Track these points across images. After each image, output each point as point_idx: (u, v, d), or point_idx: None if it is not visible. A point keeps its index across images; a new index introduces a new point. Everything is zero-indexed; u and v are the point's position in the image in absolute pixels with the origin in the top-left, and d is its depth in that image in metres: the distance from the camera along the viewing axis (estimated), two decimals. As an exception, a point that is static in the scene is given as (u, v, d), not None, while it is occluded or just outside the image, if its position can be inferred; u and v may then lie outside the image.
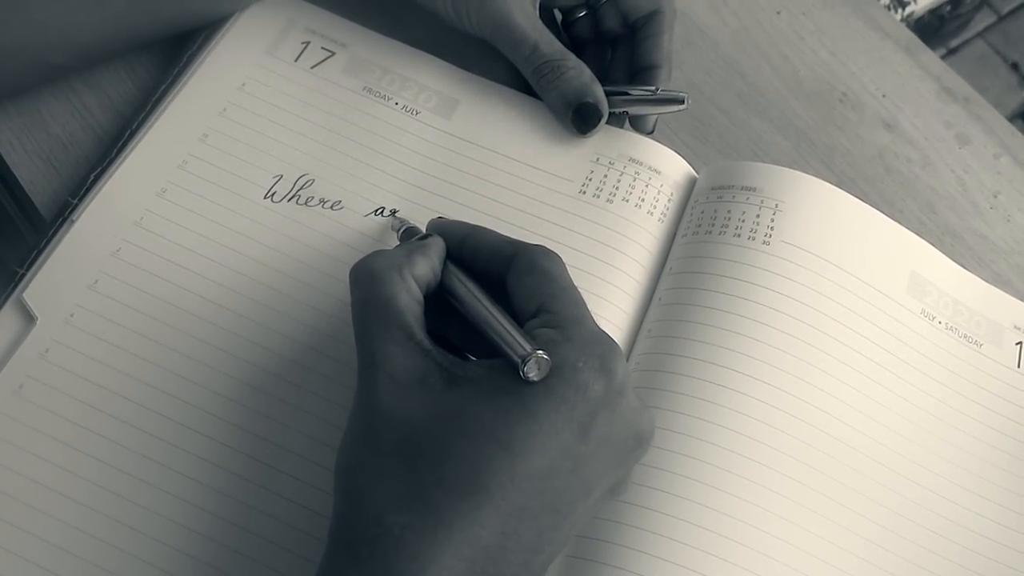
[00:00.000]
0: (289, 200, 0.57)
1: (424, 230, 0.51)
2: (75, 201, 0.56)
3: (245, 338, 0.53)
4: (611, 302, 0.56)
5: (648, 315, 0.57)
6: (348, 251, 0.56)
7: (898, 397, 0.56)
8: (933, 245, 0.60)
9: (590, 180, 0.59)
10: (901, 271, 0.58)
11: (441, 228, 0.50)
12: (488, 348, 0.44)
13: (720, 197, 0.59)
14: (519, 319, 0.45)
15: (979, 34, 2.12)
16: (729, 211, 0.58)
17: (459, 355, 0.46)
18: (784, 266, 0.56)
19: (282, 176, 0.58)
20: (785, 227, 0.57)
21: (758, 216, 0.57)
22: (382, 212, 0.58)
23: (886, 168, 0.68)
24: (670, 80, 0.63)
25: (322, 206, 0.57)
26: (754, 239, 0.57)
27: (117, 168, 0.57)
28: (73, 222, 0.55)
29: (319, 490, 0.51)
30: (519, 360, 0.41)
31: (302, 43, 0.62)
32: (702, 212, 0.59)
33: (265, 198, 0.57)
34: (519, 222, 0.57)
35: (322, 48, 0.62)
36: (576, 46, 0.65)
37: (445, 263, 0.48)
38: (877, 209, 0.59)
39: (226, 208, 0.56)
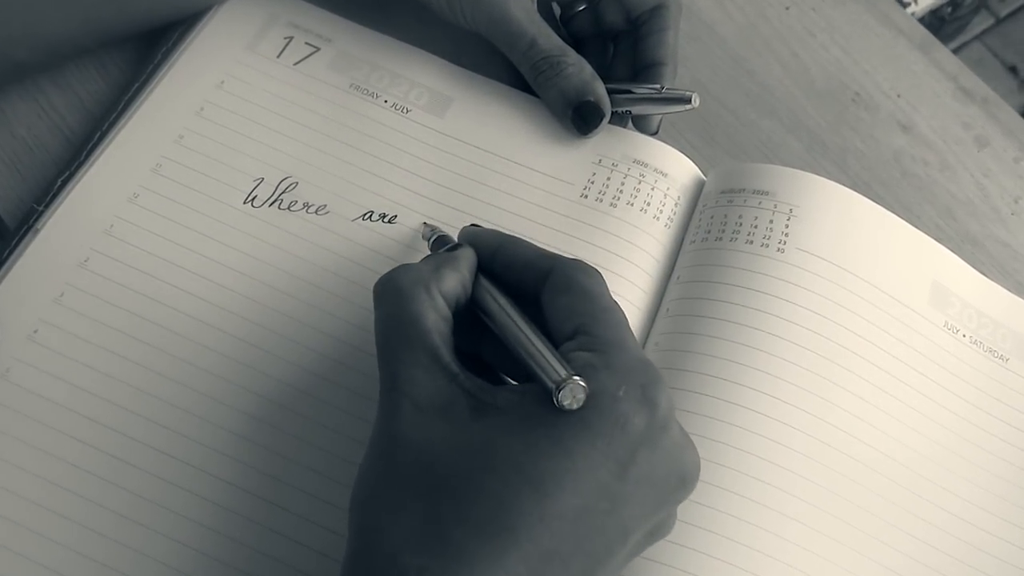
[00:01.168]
0: (271, 205, 0.54)
1: (456, 238, 0.49)
2: (41, 208, 0.53)
3: (223, 354, 0.50)
4: None
5: (655, 327, 0.54)
6: (334, 259, 0.53)
7: (920, 415, 0.53)
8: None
9: (592, 183, 0.56)
10: (923, 281, 0.55)
11: (473, 237, 0.47)
12: (523, 370, 0.41)
13: (731, 201, 0.55)
14: (554, 341, 0.42)
15: (977, 37, 2.10)
16: (741, 216, 0.54)
17: (492, 375, 0.43)
18: (800, 275, 0.53)
19: (263, 179, 0.55)
20: (800, 233, 0.54)
21: (771, 222, 0.54)
22: (370, 216, 0.54)
23: (902, 171, 0.65)
24: (676, 78, 0.60)
25: (306, 211, 0.54)
26: (767, 246, 0.53)
27: (86, 172, 0.54)
28: (38, 231, 0.52)
29: (314, 524, 0.47)
30: (553, 386, 0.38)
31: (285, 38, 0.59)
32: (711, 217, 0.55)
33: (245, 203, 0.54)
34: (516, 228, 0.54)
35: (306, 43, 0.59)
36: (576, 42, 0.62)
37: (476, 276, 0.45)
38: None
39: (203, 214, 0.53)
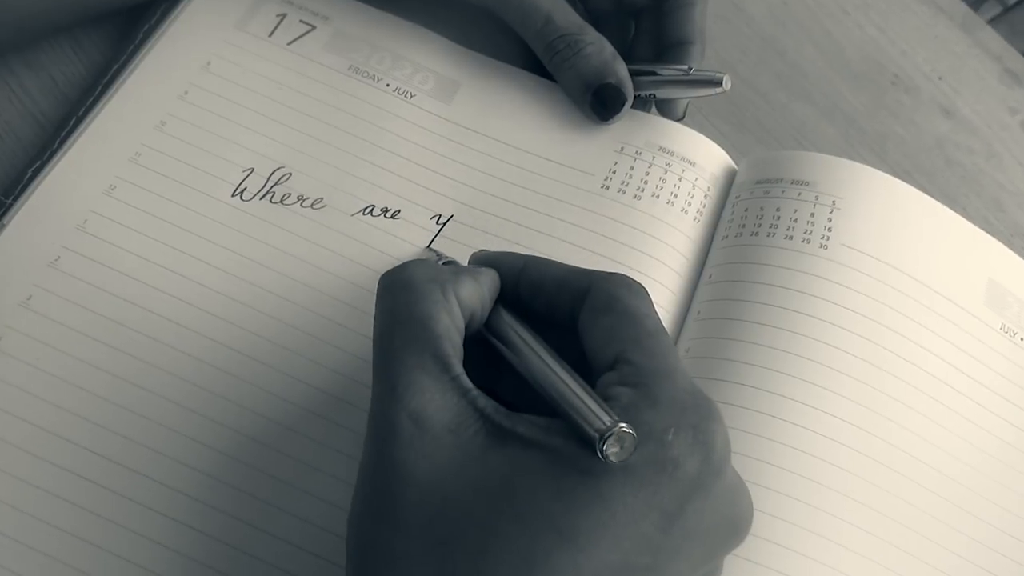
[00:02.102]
0: (262, 198, 0.50)
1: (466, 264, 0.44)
2: (9, 201, 0.48)
3: (207, 363, 0.46)
4: None
5: (684, 331, 0.50)
6: (331, 257, 0.49)
7: (975, 425, 0.49)
8: (1003, 248, 0.53)
9: (614, 173, 0.52)
10: (978, 279, 0.50)
11: (493, 260, 0.42)
12: (550, 410, 0.35)
13: (767, 192, 0.51)
14: (592, 371, 0.37)
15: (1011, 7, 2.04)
16: (778, 209, 0.50)
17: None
18: (845, 273, 0.48)
19: (253, 170, 0.50)
20: (845, 228, 0.50)
21: (812, 215, 0.50)
22: (371, 211, 0.50)
23: (946, 160, 0.61)
24: (703, 58, 0.55)
25: (300, 204, 0.50)
26: (809, 242, 0.49)
27: (58, 162, 0.50)
28: (4, 227, 0.47)
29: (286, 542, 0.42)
30: (596, 436, 0.33)
31: (277, 15, 0.55)
32: (745, 210, 0.51)
33: (233, 196, 0.50)
34: (531, 223, 0.50)
35: (301, 21, 0.55)
36: (594, 19, 0.58)
37: (496, 306, 0.40)
38: (938, 206, 0.52)
39: (186, 208, 0.49)
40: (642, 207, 0.51)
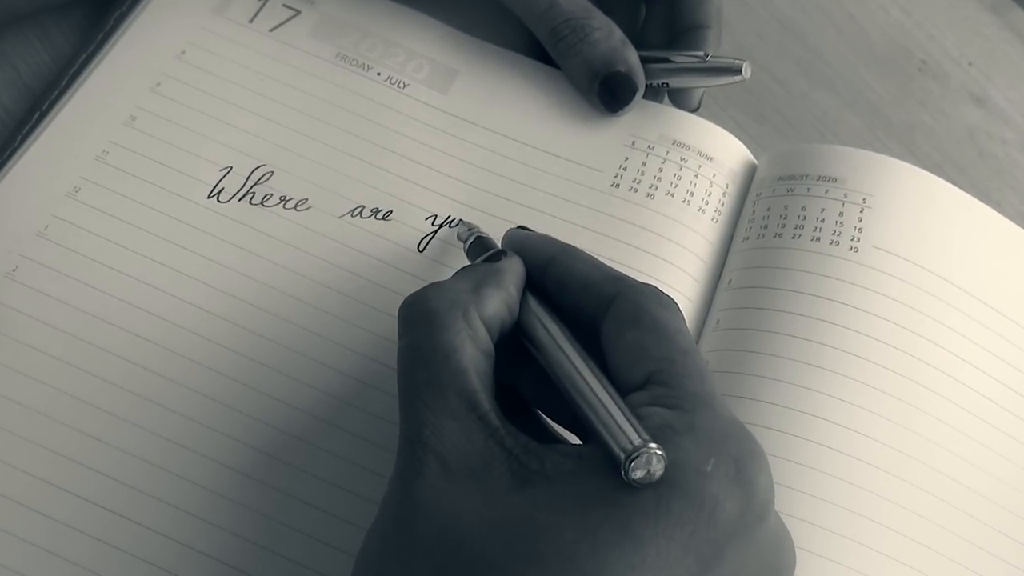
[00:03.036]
0: (241, 199, 0.46)
1: (499, 244, 0.42)
2: (-36, 204, 0.44)
3: (179, 383, 0.42)
4: None
5: (702, 343, 0.46)
6: (317, 264, 0.45)
7: (1021, 444, 0.45)
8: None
9: (624, 170, 0.49)
10: (1020, 284, 0.47)
11: (521, 245, 0.40)
12: (577, 421, 0.34)
13: (791, 190, 0.47)
14: (618, 388, 0.34)
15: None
16: (804, 208, 0.47)
17: (529, 417, 0.38)
18: (878, 279, 0.45)
19: (232, 168, 0.47)
20: (877, 228, 0.46)
21: (842, 215, 0.46)
22: (360, 212, 0.47)
23: (978, 151, 0.58)
24: (720, 44, 0.52)
25: (283, 206, 0.46)
26: (838, 244, 0.46)
27: (18, 161, 0.46)
28: (-43, 232, 0.43)
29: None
30: (621, 454, 0.30)
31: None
32: (768, 209, 0.47)
33: (210, 197, 0.46)
34: (535, 224, 0.46)
35: (284, 5, 0.51)
36: (602, 2, 0.54)
37: (524, 294, 0.38)
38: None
39: (158, 212, 0.45)
40: (655, 207, 0.47)
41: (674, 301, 0.36)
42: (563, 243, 0.40)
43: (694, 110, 0.52)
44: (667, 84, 0.50)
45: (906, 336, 0.44)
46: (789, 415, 0.42)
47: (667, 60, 0.50)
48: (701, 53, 0.49)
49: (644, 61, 0.49)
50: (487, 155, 0.49)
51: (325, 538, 0.40)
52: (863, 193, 0.47)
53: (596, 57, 0.49)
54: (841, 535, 0.40)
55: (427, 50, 0.51)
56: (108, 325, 0.43)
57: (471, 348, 0.34)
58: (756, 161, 0.51)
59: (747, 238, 0.48)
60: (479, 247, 0.42)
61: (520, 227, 0.42)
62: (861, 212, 0.46)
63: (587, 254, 0.39)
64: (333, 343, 0.43)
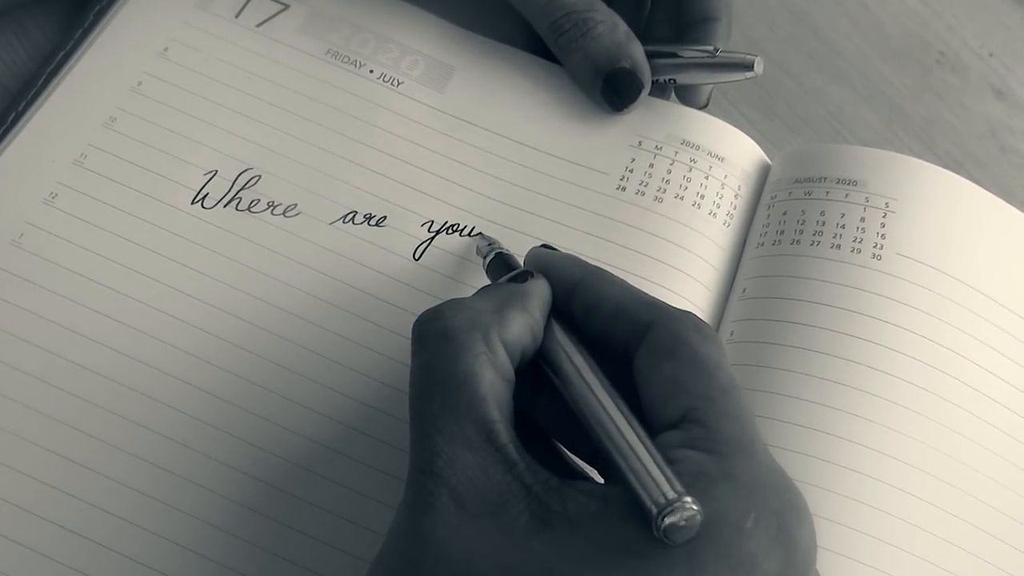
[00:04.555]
0: (227, 204, 0.45)
1: (521, 262, 0.40)
2: (-66, 211, 0.43)
3: (161, 402, 0.40)
4: None
5: None
6: (306, 273, 0.43)
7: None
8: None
9: (631, 172, 0.47)
10: (1051, 291, 0.45)
11: (547, 265, 0.38)
12: (594, 449, 0.32)
13: (808, 193, 0.45)
14: (650, 425, 0.32)
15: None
16: (823, 212, 0.45)
17: (547, 447, 0.36)
18: (903, 289, 0.43)
19: (216, 172, 0.45)
20: (901, 235, 0.44)
21: (863, 220, 0.44)
22: (352, 218, 0.45)
23: (1000, 147, 0.56)
24: (730, 37, 0.50)
25: (271, 212, 0.45)
26: (859, 252, 0.44)
27: None
28: (-74, 241, 0.42)
29: None
30: (653, 508, 0.28)
31: None
32: (784, 213, 0.46)
33: (194, 203, 0.44)
34: (536, 231, 0.45)
35: (272, 0, 0.49)
36: None
37: (549, 319, 0.36)
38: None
39: (139, 219, 0.44)
40: (664, 211, 0.46)
41: (714, 331, 0.34)
42: (591, 265, 0.37)
43: (703, 107, 0.50)
44: (674, 80, 0.49)
45: (933, 349, 0.42)
46: (808, 435, 0.40)
47: (674, 55, 0.48)
48: (710, 48, 0.48)
49: (650, 56, 0.48)
50: (485, 157, 0.47)
51: (325, 572, 0.38)
52: (886, 197, 0.45)
53: (599, 53, 0.47)
54: (870, 565, 0.39)
55: (422, 46, 0.49)
56: (85, 340, 0.41)
57: (491, 374, 0.32)
58: (769, 161, 0.49)
59: (762, 244, 0.45)
60: (500, 265, 0.40)
61: (544, 245, 0.40)
62: (884, 217, 0.44)
63: (618, 278, 0.36)
64: (324, 358, 0.42)
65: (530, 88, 0.49)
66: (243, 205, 0.44)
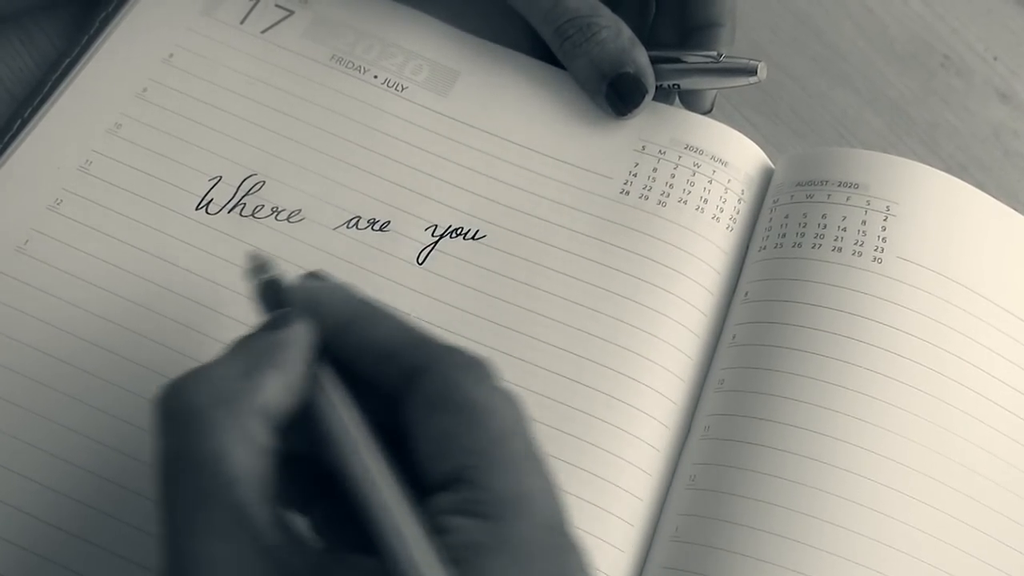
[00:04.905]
0: (231, 210, 0.45)
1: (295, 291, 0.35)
2: (-59, 217, 0.43)
3: None
4: (668, 342, 0.43)
5: (717, 360, 0.44)
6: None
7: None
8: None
9: (634, 176, 0.47)
10: (1054, 295, 0.45)
11: (315, 302, 0.33)
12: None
13: (810, 197, 0.45)
14: (424, 484, 0.29)
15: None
16: (824, 216, 0.45)
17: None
18: (902, 291, 0.43)
19: (221, 178, 0.45)
20: (902, 238, 0.44)
21: (864, 223, 0.44)
22: (356, 223, 0.45)
23: (1004, 150, 0.56)
24: (734, 42, 0.50)
25: (275, 217, 0.45)
26: (860, 255, 0.44)
27: None
28: (-70, 247, 0.42)
29: None
30: None
31: None
32: (786, 217, 0.45)
33: (199, 209, 0.44)
34: (540, 235, 0.45)
35: (277, 5, 0.50)
36: None
37: (317, 365, 0.32)
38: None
39: (144, 224, 0.44)
40: (667, 215, 0.45)
41: (491, 365, 0.31)
42: (364, 300, 0.33)
43: (707, 112, 0.50)
44: (678, 85, 0.49)
45: (934, 352, 0.42)
46: (810, 437, 0.40)
47: (678, 60, 0.48)
48: (714, 53, 0.47)
49: (654, 61, 0.48)
50: (489, 161, 0.47)
51: None
52: (887, 200, 0.44)
53: (603, 58, 0.47)
54: (868, 567, 0.38)
55: (426, 51, 0.49)
56: (90, 345, 0.41)
57: (242, 452, 0.29)
58: (773, 165, 0.49)
59: (764, 248, 0.45)
60: (269, 293, 0.34)
61: (312, 273, 0.35)
62: (885, 220, 0.44)
63: (392, 313, 0.33)
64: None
65: (534, 93, 0.49)
66: (247, 211, 0.44)
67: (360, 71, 0.48)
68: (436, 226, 0.45)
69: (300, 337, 0.32)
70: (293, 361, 0.31)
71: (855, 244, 0.44)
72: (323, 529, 0.32)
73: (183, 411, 0.29)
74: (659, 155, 0.47)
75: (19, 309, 0.41)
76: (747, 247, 0.47)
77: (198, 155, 0.45)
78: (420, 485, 0.30)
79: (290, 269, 0.42)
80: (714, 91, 0.50)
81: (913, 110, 0.56)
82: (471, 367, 0.31)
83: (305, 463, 0.32)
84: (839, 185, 0.45)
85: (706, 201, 0.46)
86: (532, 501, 0.29)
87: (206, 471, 0.28)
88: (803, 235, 0.44)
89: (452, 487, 0.29)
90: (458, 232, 0.45)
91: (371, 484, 0.29)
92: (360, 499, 0.28)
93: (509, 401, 0.31)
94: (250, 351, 0.31)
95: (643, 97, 0.47)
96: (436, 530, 0.28)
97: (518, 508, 0.29)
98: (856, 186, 0.45)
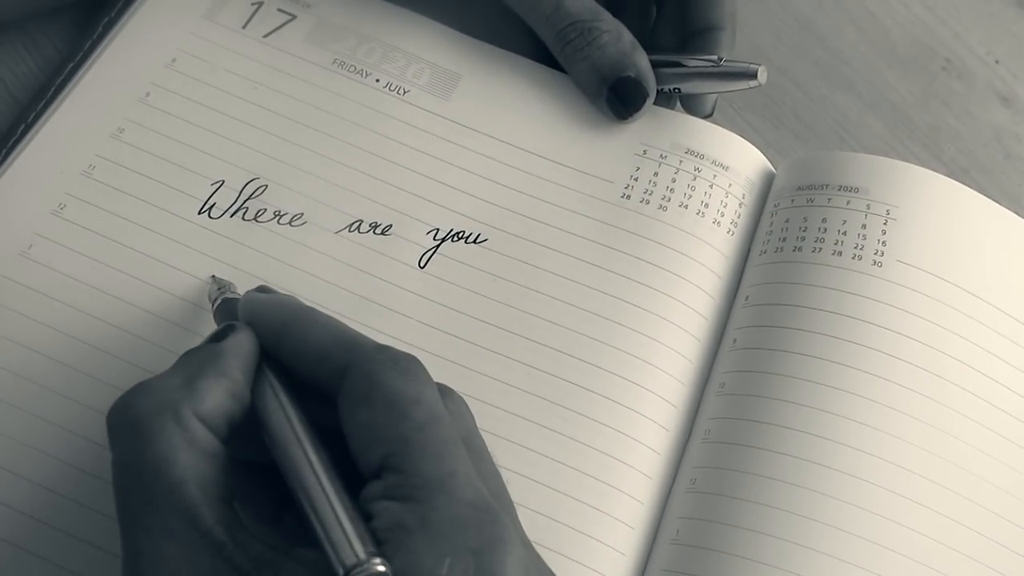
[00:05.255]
0: (233, 214, 0.44)
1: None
2: (-56, 222, 0.43)
3: None
4: (669, 346, 0.43)
5: (718, 363, 0.44)
6: (312, 282, 0.43)
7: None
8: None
9: (635, 180, 0.47)
10: (1054, 298, 0.45)
11: (254, 313, 0.35)
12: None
13: (811, 201, 0.45)
14: (360, 476, 0.31)
15: None
16: (824, 220, 0.45)
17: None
18: (902, 295, 0.43)
19: (224, 182, 0.45)
20: (901, 242, 0.44)
21: (864, 227, 0.44)
22: (358, 227, 0.45)
23: (1006, 153, 0.56)
24: (734, 46, 0.50)
25: (277, 221, 0.44)
26: (860, 258, 0.44)
27: (2, 176, 0.44)
28: (-66, 252, 0.42)
29: None
30: (340, 571, 0.28)
31: (253, 4, 0.49)
32: (786, 221, 0.45)
33: (201, 213, 0.44)
34: (542, 238, 0.45)
35: (279, 10, 0.49)
36: (610, 2, 0.52)
37: (261, 368, 0.34)
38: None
39: (147, 229, 0.43)
40: (669, 219, 0.45)
41: (416, 361, 0.33)
42: (299, 306, 0.35)
43: (708, 116, 0.50)
44: (679, 89, 0.48)
45: (933, 356, 0.42)
46: (810, 441, 0.40)
47: (679, 64, 0.48)
48: (715, 57, 0.47)
49: (655, 65, 0.48)
50: (491, 164, 0.47)
51: None
52: (887, 204, 0.44)
53: (604, 62, 0.47)
54: (867, 570, 0.38)
55: (428, 54, 0.49)
56: (94, 349, 0.41)
57: (186, 455, 0.30)
58: (774, 169, 0.49)
59: (765, 252, 0.45)
60: (223, 314, 0.38)
61: (260, 287, 0.38)
62: (885, 224, 0.44)
63: (326, 317, 0.35)
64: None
65: (536, 96, 0.49)
66: (250, 215, 0.44)
67: (362, 75, 0.48)
68: (438, 229, 0.45)
69: (239, 345, 0.34)
70: (232, 368, 0.33)
71: (855, 248, 0.44)
72: (293, 539, 0.33)
73: (129, 422, 0.31)
74: (660, 159, 0.47)
75: (23, 313, 0.41)
76: (748, 251, 0.46)
77: (201, 159, 0.45)
78: (359, 479, 0.31)
79: (292, 273, 0.43)
80: (715, 95, 0.50)
81: (915, 114, 0.56)
82: (395, 362, 0.32)
83: (273, 474, 0.33)
84: (839, 189, 0.45)
85: (707, 205, 0.46)
86: (455, 479, 0.30)
87: (152, 476, 0.30)
88: (804, 239, 0.45)
89: (381, 475, 0.31)
90: (459, 236, 0.45)
91: (303, 475, 0.31)
92: (294, 490, 0.31)
93: (434, 393, 0.33)
94: (191, 363, 0.33)
95: (644, 101, 0.47)
96: (366, 516, 0.30)
97: (441, 487, 0.30)
98: (856, 190, 0.45)
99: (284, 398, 0.33)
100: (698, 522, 0.40)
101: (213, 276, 0.42)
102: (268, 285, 0.38)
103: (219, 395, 0.32)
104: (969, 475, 0.41)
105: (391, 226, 0.45)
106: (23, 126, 0.46)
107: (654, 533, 0.41)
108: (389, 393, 0.31)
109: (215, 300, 0.39)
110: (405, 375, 0.32)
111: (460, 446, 0.31)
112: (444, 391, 0.34)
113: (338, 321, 0.35)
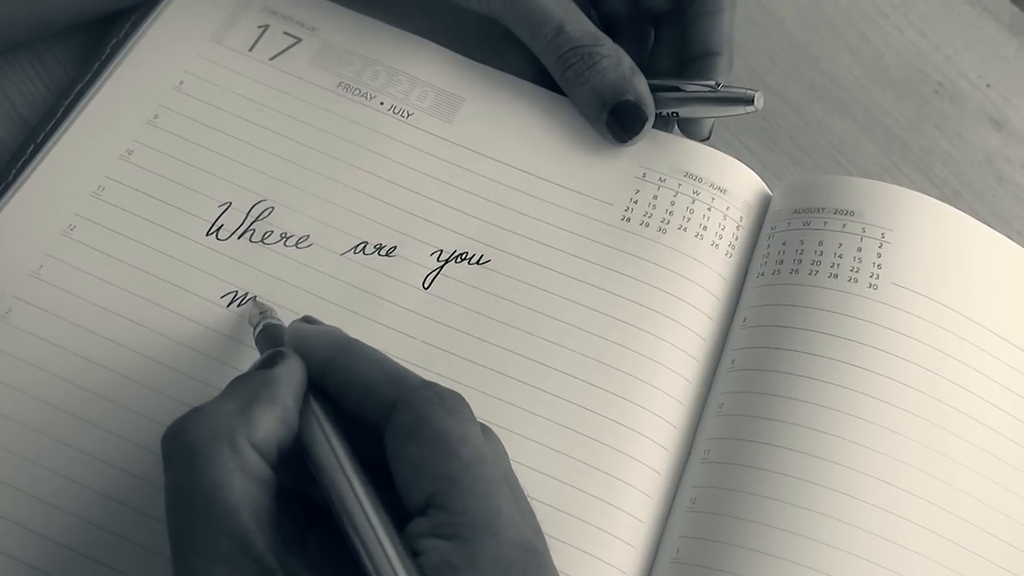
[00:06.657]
0: (240, 236, 0.45)
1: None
2: (-45, 243, 0.43)
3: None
4: (668, 367, 0.44)
5: (716, 384, 0.44)
6: (318, 304, 0.44)
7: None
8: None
9: (635, 203, 0.47)
10: (1046, 321, 0.45)
11: (302, 342, 0.36)
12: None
13: (807, 224, 0.46)
14: (405, 511, 0.32)
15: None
16: (820, 243, 0.45)
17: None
18: (898, 317, 0.43)
19: (231, 204, 0.45)
20: (896, 264, 0.45)
21: (860, 250, 0.45)
22: (364, 249, 0.45)
23: (997, 176, 0.56)
24: (731, 71, 0.50)
25: (284, 243, 0.45)
26: (856, 281, 0.44)
27: (12, 196, 0.45)
28: (-53, 273, 0.42)
29: None
30: None
31: (259, 27, 0.50)
32: (783, 244, 0.46)
33: (208, 234, 0.45)
34: (543, 260, 0.45)
35: (285, 33, 0.50)
36: (610, 27, 0.53)
37: (307, 399, 0.34)
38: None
39: (155, 250, 0.44)
40: (668, 241, 0.46)
41: (462, 399, 0.33)
42: (346, 339, 0.36)
43: (704, 140, 0.50)
44: (677, 113, 0.49)
45: (928, 378, 0.42)
46: (806, 461, 0.41)
47: (677, 89, 0.48)
48: (712, 82, 0.48)
49: (654, 90, 0.48)
50: (494, 186, 0.47)
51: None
52: (882, 227, 0.45)
53: (605, 86, 0.47)
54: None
55: (431, 77, 0.49)
56: (104, 369, 0.41)
57: (241, 482, 0.31)
58: (771, 192, 0.49)
59: (762, 274, 0.46)
60: (266, 339, 0.38)
61: (305, 318, 0.38)
62: (880, 247, 0.45)
63: (371, 350, 0.35)
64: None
65: (537, 119, 0.49)
66: (257, 236, 0.44)
67: (367, 97, 0.48)
68: (441, 251, 0.45)
69: (290, 374, 0.34)
70: (284, 396, 0.33)
71: (851, 271, 0.44)
72: (316, 563, 0.33)
73: (185, 448, 0.31)
74: (659, 182, 0.47)
75: (35, 334, 0.41)
76: (745, 273, 0.47)
77: (208, 181, 0.45)
78: (403, 513, 0.31)
79: (299, 294, 0.43)
80: (712, 119, 0.50)
81: (908, 137, 0.56)
82: (443, 400, 0.33)
83: (297, 498, 0.33)
84: (835, 212, 0.46)
85: (705, 228, 0.46)
86: (500, 519, 0.31)
87: (207, 501, 0.30)
88: (800, 262, 0.45)
89: (427, 512, 0.31)
90: (463, 257, 0.45)
91: (352, 508, 0.31)
92: (343, 522, 0.31)
93: (478, 432, 0.33)
94: (244, 389, 0.33)
95: (643, 124, 0.47)
96: (413, 552, 0.30)
97: (487, 528, 0.30)
98: (852, 213, 0.45)
99: (329, 428, 0.33)
100: (698, 541, 0.40)
101: (255, 299, 0.42)
102: (313, 316, 0.38)
103: (271, 423, 0.32)
104: (963, 495, 0.41)
105: (395, 248, 0.45)
106: (32, 147, 0.46)
107: (655, 551, 0.41)
108: (437, 431, 0.32)
109: (257, 325, 0.39)
110: (453, 413, 0.32)
111: (504, 485, 0.32)
112: (483, 429, 0.34)
113: (384, 355, 0.35)
